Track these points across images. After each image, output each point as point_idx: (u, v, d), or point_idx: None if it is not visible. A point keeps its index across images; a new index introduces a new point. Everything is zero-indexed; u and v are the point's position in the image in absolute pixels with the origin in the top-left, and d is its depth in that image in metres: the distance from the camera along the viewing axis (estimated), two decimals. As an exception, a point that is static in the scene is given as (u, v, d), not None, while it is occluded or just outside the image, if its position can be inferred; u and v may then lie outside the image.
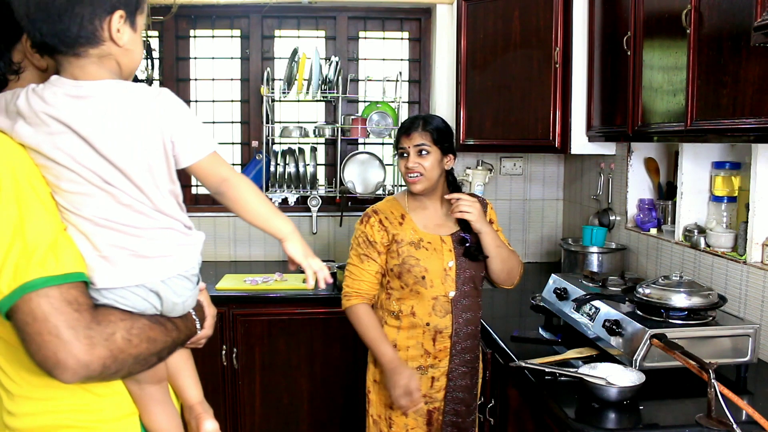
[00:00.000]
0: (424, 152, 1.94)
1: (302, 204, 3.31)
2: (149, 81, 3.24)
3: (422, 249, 1.97)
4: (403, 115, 3.47)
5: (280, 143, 3.38)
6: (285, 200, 3.24)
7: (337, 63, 3.23)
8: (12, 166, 0.95)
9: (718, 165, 2.23)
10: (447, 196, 1.98)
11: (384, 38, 3.56)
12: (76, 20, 0.95)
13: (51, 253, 0.92)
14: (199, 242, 1.09)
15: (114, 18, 0.98)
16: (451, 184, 2.06)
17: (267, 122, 3.27)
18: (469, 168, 3.37)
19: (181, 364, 1.25)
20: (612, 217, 2.89)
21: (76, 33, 0.96)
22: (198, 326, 1.17)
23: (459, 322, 1.96)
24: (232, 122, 3.51)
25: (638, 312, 1.80)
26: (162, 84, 3.41)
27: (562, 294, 2.14)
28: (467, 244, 1.98)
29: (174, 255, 1.04)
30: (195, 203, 3.50)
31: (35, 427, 1.05)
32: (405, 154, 1.97)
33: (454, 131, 3.07)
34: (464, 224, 1.97)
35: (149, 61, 3.25)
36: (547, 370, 1.74)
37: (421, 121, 1.98)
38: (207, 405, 1.28)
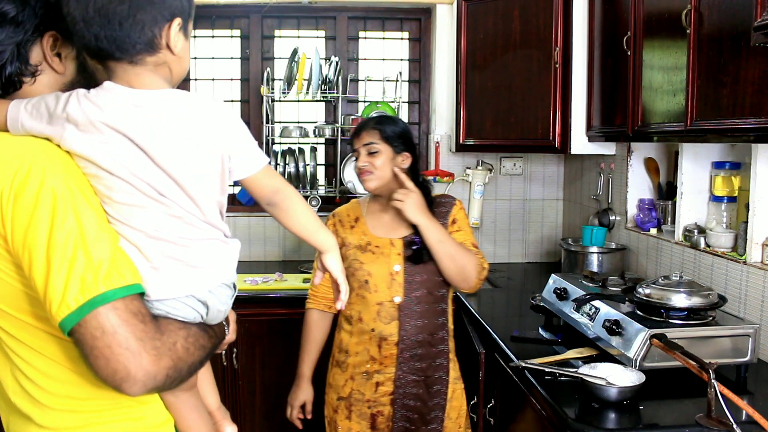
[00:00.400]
0: (373, 151, 1.92)
1: (302, 204, 3.31)
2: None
3: (368, 252, 1.96)
4: (403, 115, 3.47)
5: (280, 143, 3.38)
6: (285, 200, 3.24)
7: (337, 63, 3.23)
8: (64, 175, 0.92)
9: (718, 165, 2.23)
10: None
11: (384, 38, 3.56)
12: (136, 27, 0.94)
13: (113, 265, 0.91)
14: (236, 250, 1.10)
15: (173, 26, 0.98)
16: (420, 185, 1.97)
17: (267, 122, 3.26)
18: (469, 168, 3.37)
19: (202, 372, 1.26)
20: (612, 217, 2.89)
21: (135, 40, 0.95)
22: (226, 331, 1.18)
23: (406, 329, 1.91)
24: (232, 122, 3.50)
25: (638, 312, 1.80)
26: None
27: (562, 294, 2.14)
28: (414, 246, 1.91)
29: (218, 264, 1.04)
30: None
31: None
32: (358, 156, 1.96)
33: (454, 131, 3.10)
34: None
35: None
36: (547, 370, 1.74)
37: (372, 121, 1.97)
38: (225, 410, 1.29)
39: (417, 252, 1.91)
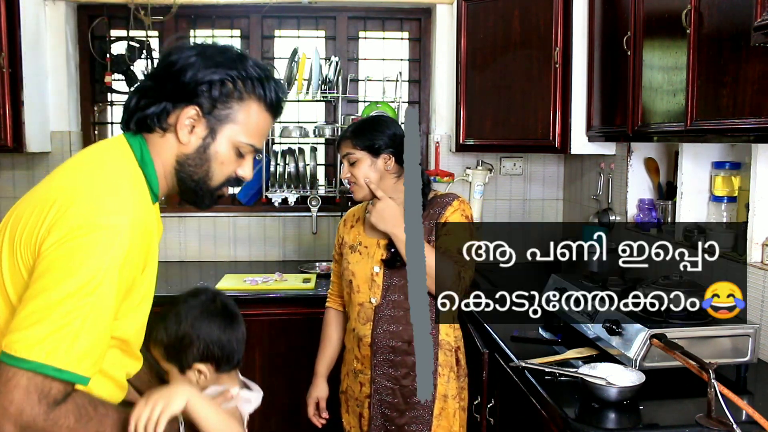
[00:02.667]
0: (352, 161, 1.90)
1: (302, 204, 3.31)
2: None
3: (356, 253, 1.97)
4: (403, 115, 3.47)
5: (280, 143, 3.38)
6: (285, 200, 3.24)
7: (337, 63, 3.23)
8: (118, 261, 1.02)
9: (718, 165, 2.23)
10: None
11: (384, 38, 3.56)
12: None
13: (65, 345, 0.98)
14: None
15: None
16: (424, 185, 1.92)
17: (267, 122, 3.26)
18: (469, 168, 3.37)
19: None
20: (612, 217, 2.89)
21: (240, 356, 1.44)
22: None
23: (378, 332, 1.90)
24: (232, 122, 3.50)
25: (638, 312, 1.80)
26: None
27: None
28: (393, 249, 1.88)
29: None
30: (195, 203, 3.49)
31: None
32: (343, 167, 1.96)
33: (454, 131, 3.10)
34: None
35: (149, 61, 3.25)
36: (547, 370, 1.74)
37: (348, 130, 1.94)
38: None
39: (392, 255, 1.89)
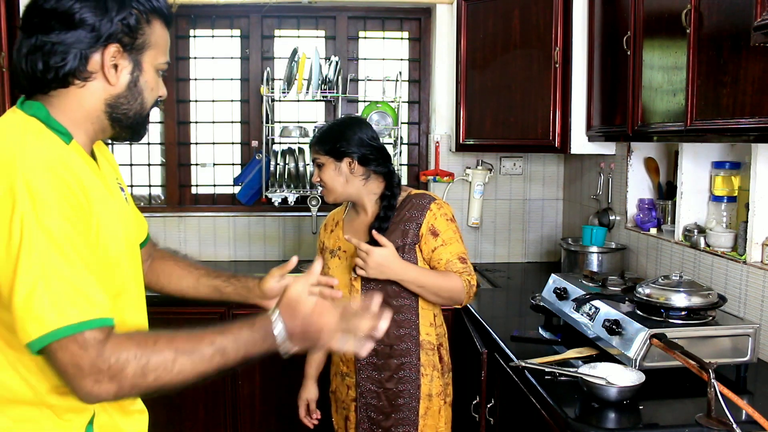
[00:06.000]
0: (320, 165, 1.93)
1: (302, 203, 3.31)
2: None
3: (336, 258, 1.97)
4: (403, 115, 3.47)
5: (280, 143, 3.38)
6: (285, 200, 3.24)
7: (336, 63, 3.23)
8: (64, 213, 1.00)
9: (718, 165, 2.23)
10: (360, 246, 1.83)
11: (384, 38, 3.56)
12: None
13: (71, 301, 0.98)
14: None
15: None
16: (390, 187, 1.93)
17: (267, 122, 3.27)
18: (469, 168, 3.37)
19: None
20: (612, 217, 2.89)
21: None
22: (279, 332, 1.14)
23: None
24: (232, 122, 3.50)
25: (638, 312, 1.80)
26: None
27: (562, 294, 2.14)
28: None
29: None
30: (195, 203, 3.50)
31: None
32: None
33: (454, 131, 3.10)
34: (378, 232, 1.87)
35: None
36: (547, 370, 1.74)
37: (316, 134, 1.96)
38: None
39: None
